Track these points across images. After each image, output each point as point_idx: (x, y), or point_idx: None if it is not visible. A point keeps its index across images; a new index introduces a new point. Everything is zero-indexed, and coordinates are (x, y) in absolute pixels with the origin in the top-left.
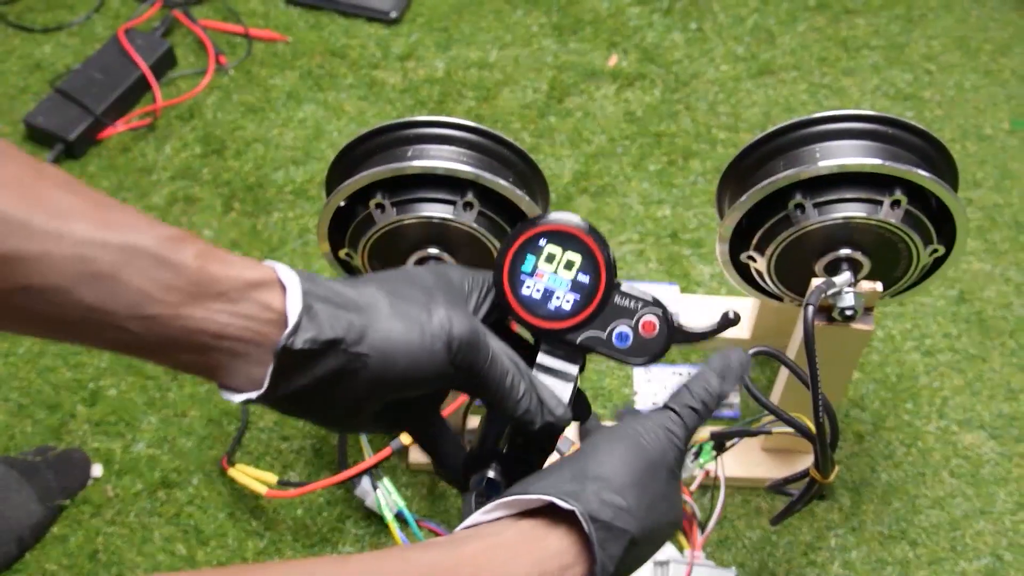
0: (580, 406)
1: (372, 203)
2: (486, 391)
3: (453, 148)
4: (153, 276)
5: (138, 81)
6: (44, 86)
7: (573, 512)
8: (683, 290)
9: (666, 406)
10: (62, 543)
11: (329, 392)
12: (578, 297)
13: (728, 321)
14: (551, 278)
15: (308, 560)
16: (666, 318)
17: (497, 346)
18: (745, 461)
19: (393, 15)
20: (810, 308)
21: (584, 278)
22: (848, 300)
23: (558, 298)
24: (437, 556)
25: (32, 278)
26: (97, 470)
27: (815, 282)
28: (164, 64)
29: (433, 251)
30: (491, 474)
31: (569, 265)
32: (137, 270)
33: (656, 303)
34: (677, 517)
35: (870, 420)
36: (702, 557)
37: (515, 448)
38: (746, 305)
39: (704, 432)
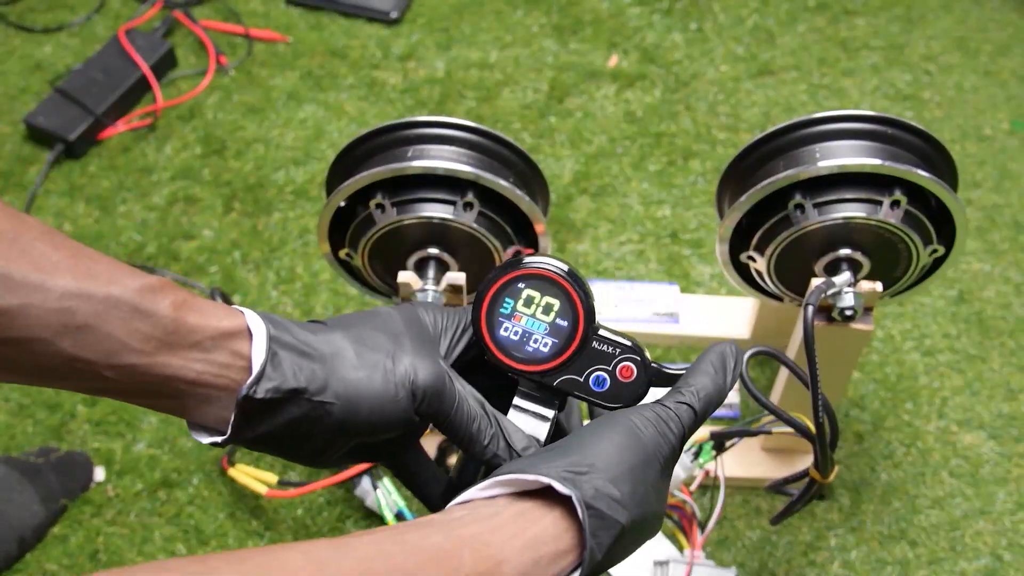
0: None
1: (372, 203)
2: (453, 436)
3: (453, 148)
4: (131, 326)
5: (139, 81)
6: (45, 86)
7: (569, 498)
8: (683, 290)
9: (664, 402)
10: (62, 543)
11: (294, 437)
12: (556, 341)
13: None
14: (529, 321)
15: (309, 543)
16: (644, 363)
17: (464, 391)
18: (745, 461)
19: (393, 15)
20: (810, 308)
21: (563, 323)
22: (848, 300)
23: (536, 341)
24: (436, 539)
25: (14, 330)
26: (99, 474)
27: (815, 282)
28: (165, 64)
29: (433, 251)
30: None
31: (548, 309)
32: (116, 321)
33: (634, 349)
34: (663, 511)
35: (870, 420)
36: (702, 557)
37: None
38: (746, 305)
39: (704, 432)
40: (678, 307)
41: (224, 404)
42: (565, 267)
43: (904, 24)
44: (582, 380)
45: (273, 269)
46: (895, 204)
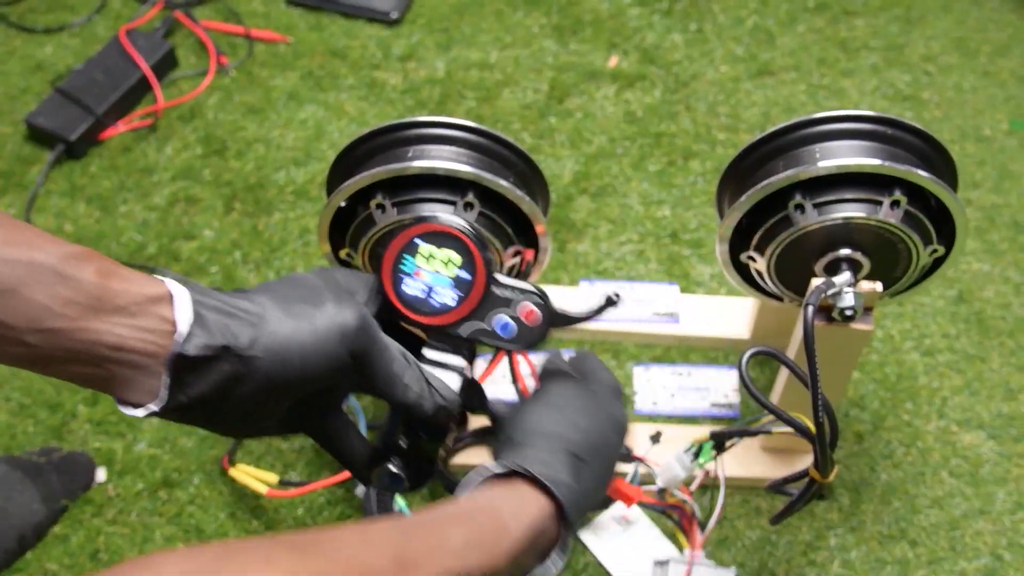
0: (475, 395)
1: (373, 203)
2: (377, 380)
3: (453, 148)
4: (54, 291)
5: (139, 82)
6: (45, 86)
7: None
8: (683, 290)
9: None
10: (63, 542)
11: (227, 398)
12: (459, 293)
13: (609, 302)
14: (431, 276)
15: (313, 531)
16: (545, 304)
17: (387, 337)
18: (744, 461)
19: (394, 16)
20: (810, 308)
21: (463, 274)
22: (848, 300)
23: (439, 295)
24: (451, 508)
25: None
26: (101, 474)
27: (815, 282)
28: (165, 65)
29: None
30: (392, 468)
31: (447, 262)
32: (40, 286)
33: (534, 291)
34: (611, 419)
35: (869, 420)
36: (702, 557)
37: (413, 439)
38: (746, 305)
39: (704, 432)
40: (678, 307)
41: (151, 371)
42: (460, 221)
43: (903, 25)
44: (488, 327)
45: (274, 269)
46: (895, 204)
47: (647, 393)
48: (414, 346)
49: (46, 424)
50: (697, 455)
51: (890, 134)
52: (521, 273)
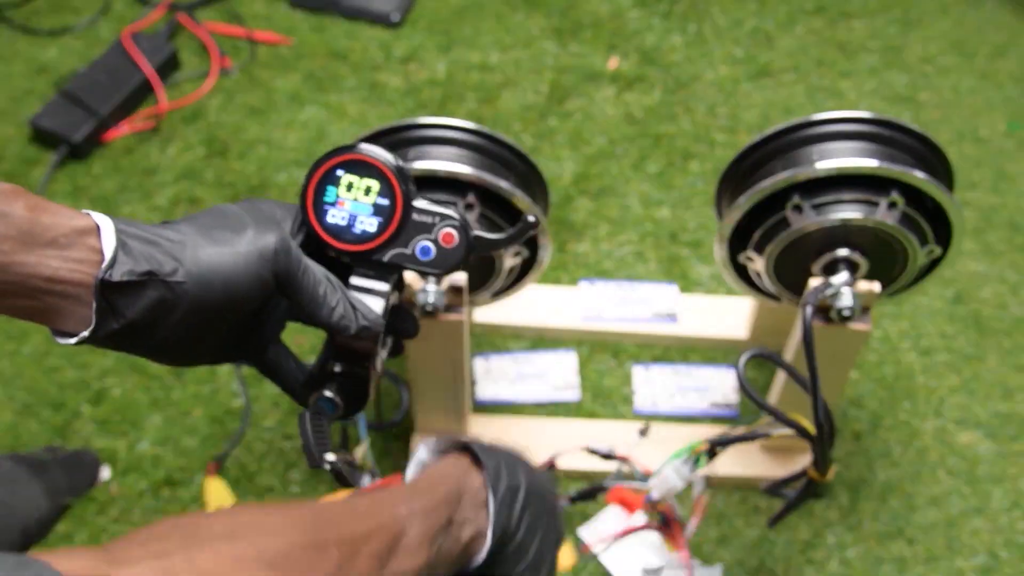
0: (405, 320)
1: None
2: (302, 301)
3: (454, 150)
4: None
5: (142, 83)
6: (49, 88)
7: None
8: (682, 290)
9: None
10: (67, 541)
11: (157, 324)
12: (380, 219)
13: (528, 225)
14: (352, 205)
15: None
16: (463, 228)
17: (310, 261)
18: (744, 460)
19: (395, 18)
20: (808, 308)
21: (383, 200)
22: (846, 300)
23: (361, 222)
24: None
25: None
26: (106, 472)
27: (813, 282)
28: (168, 67)
29: None
30: (327, 393)
31: (368, 191)
32: None
33: (452, 216)
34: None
35: (867, 419)
36: (688, 557)
37: (344, 363)
38: (744, 305)
39: (696, 433)
40: (677, 307)
41: (83, 301)
42: (376, 149)
43: (901, 26)
44: (409, 252)
45: None
46: (892, 205)
47: (647, 393)
48: (340, 274)
49: (50, 423)
50: (696, 463)
51: (887, 135)
52: (521, 274)
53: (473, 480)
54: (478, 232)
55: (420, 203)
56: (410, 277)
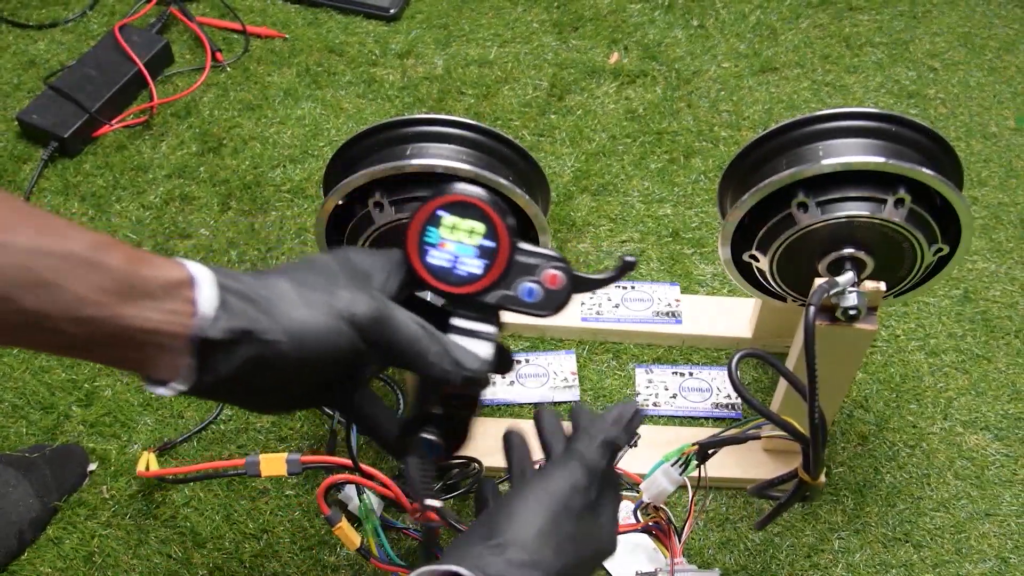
0: (503, 361)
1: (370, 202)
2: (401, 358)
3: (452, 146)
4: (88, 280)
5: (134, 78)
6: (38, 83)
7: None
8: (685, 290)
9: (570, 453)
10: (57, 545)
11: (251, 378)
12: (485, 261)
13: (627, 265)
14: (456, 247)
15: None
16: (568, 269)
17: (404, 316)
18: (746, 462)
19: (392, 12)
20: (811, 309)
21: (488, 243)
22: (851, 300)
23: (465, 264)
24: None
25: None
26: (92, 465)
27: (818, 282)
28: (160, 61)
29: None
30: (428, 435)
31: (471, 232)
32: (74, 275)
33: (556, 257)
34: (596, 551)
35: (874, 421)
36: (684, 563)
37: (447, 408)
38: (748, 305)
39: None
40: (680, 307)
41: (179, 352)
42: (480, 190)
43: (908, 20)
44: (514, 294)
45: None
46: (899, 202)
47: (647, 393)
48: (439, 317)
49: (39, 425)
50: (685, 466)
51: (894, 131)
52: None
53: None
54: (579, 273)
55: (524, 245)
56: None
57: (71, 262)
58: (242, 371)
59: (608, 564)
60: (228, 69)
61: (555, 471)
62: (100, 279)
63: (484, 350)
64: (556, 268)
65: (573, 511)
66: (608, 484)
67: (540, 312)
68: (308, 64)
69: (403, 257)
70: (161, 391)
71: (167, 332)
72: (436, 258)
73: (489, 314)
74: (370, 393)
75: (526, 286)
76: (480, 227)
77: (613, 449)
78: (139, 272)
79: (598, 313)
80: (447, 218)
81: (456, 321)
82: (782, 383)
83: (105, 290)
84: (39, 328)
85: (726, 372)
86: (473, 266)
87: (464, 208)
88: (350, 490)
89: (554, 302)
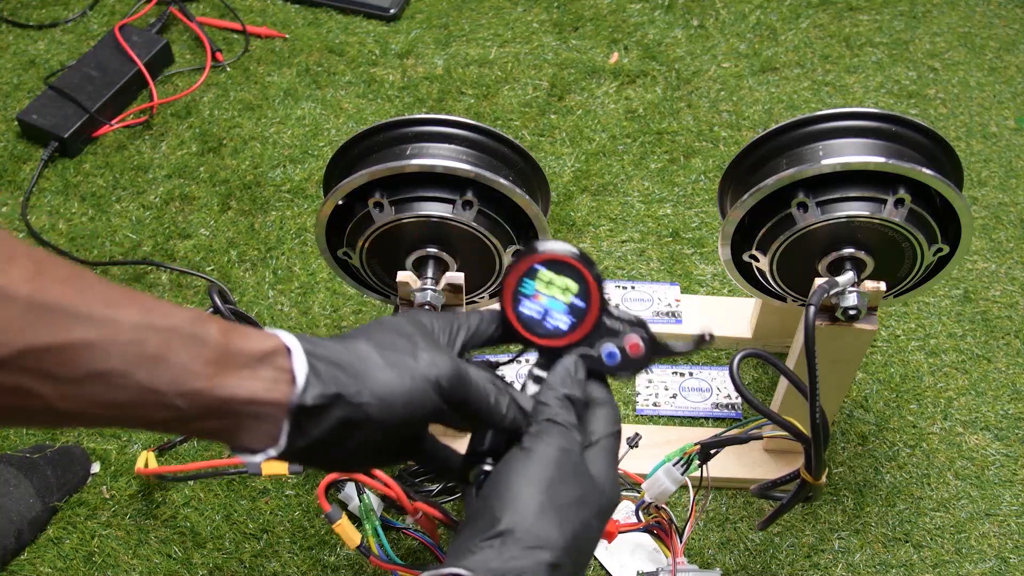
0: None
1: (370, 202)
2: (477, 415)
3: (452, 146)
4: (193, 353)
5: (134, 78)
6: (38, 83)
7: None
8: (685, 290)
9: (539, 424)
10: (57, 545)
11: (339, 441)
12: (573, 319)
13: (703, 341)
14: (549, 301)
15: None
16: (650, 338)
17: (477, 373)
18: (746, 462)
19: (392, 12)
20: (811, 309)
21: (579, 302)
22: (851, 300)
23: (555, 319)
24: None
25: (98, 363)
26: (95, 467)
27: (818, 282)
28: (160, 61)
29: (432, 250)
30: (487, 467)
31: (565, 290)
32: (180, 349)
33: (641, 324)
34: (599, 507)
35: (874, 421)
36: (684, 563)
37: (507, 443)
38: (748, 305)
39: (682, 435)
40: (680, 307)
41: (273, 419)
42: (578, 252)
43: (908, 20)
44: (596, 354)
45: (270, 268)
46: (899, 202)
47: (648, 393)
48: (493, 368)
49: None
50: (687, 466)
51: (894, 131)
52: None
53: None
54: (660, 341)
55: (614, 309)
56: (407, 276)
57: (176, 336)
58: (332, 434)
59: (608, 564)
60: (228, 69)
61: (533, 444)
62: (202, 351)
63: None
64: (639, 335)
65: (565, 475)
66: (599, 433)
67: (616, 374)
68: (308, 64)
69: (465, 316)
70: (255, 458)
71: (265, 400)
72: (528, 308)
73: None
74: (432, 438)
75: (608, 348)
76: (575, 286)
77: (575, 401)
78: (235, 343)
79: None
80: (544, 272)
81: (537, 371)
82: (782, 383)
83: (207, 361)
84: (151, 404)
85: (726, 372)
86: (561, 321)
87: (562, 266)
88: (350, 490)
89: (631, 367)
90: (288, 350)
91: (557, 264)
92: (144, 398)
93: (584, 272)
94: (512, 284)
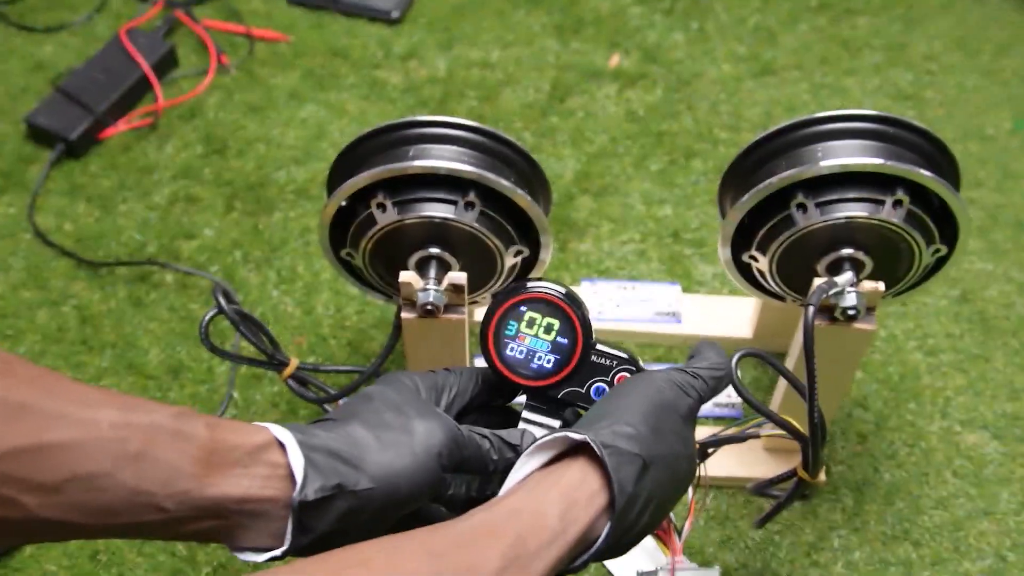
0: None
1: (373, 203)
2: (473, 471)
3: (455, 148)
4: (178, 450)
5: (140, 81)
6: (45, 86)
7: (590, 445)
8: (685, 290)
9: (683, 368)
10: (62, 543)
11: (345, 529)
12: (558, 357)
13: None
14: (532, 341)
15: (380, 540)
16: (639, 373)
17: (467, 432)
18: (747, 460)
19: (395, 15)
20: (810, 309)
21: (563, 340)
22: (850, 300)
23: (539, 358)
24: (482, 515)
25: (78, 465)
26: None
27: (817, 282)
28: (166, 64)
29: (434, 251)
30: None
31: (549, 329)
32: (164, 446)
33: (630, 360)
34: (691, 454)
35: (873, 420)
36: (684, 561)
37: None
38: (748, 305)
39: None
40: (680, 307)
41: (272, 516)
42: (563, 289)
43: (905, 24)
44: (583, 391)
45: (274, 269)
46: (897, 204)
47: None
48: (487, 415)
49: None
50: None
51: (892, 133)
52: (522, 273)
53: (594, 530)
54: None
55: (601, 346)
56: (410, 276)
57: (160, 433)
58: (336, 525)
59: (608, 563)
60: (233, 72)
61: (664, 372)
62: (189, 448)
63: None
64: (626, 371)
65: (675, 410)
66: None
67: None
68: (312, 67)
69: (446, 376)
70: (258, 558)
71: (260, 498)
72: (512, 349)
73: (557, 408)
74: (428, 504)
75: (596, 385)
76: (557, 324)
77: (713, 386)
78: (223, 438)
79: (599, 313)
80: (527, 312)
81: (526, 414)
82: (782, 382)
83: (195, 459)
84: (142, 506)
85: None
86: (546, 361)
87: (545, 305)
88: None
89: None
90: (280, 443)
91: (538, 303)
92: (132, 500)
93: (567, 310)
94: (494, 326)
